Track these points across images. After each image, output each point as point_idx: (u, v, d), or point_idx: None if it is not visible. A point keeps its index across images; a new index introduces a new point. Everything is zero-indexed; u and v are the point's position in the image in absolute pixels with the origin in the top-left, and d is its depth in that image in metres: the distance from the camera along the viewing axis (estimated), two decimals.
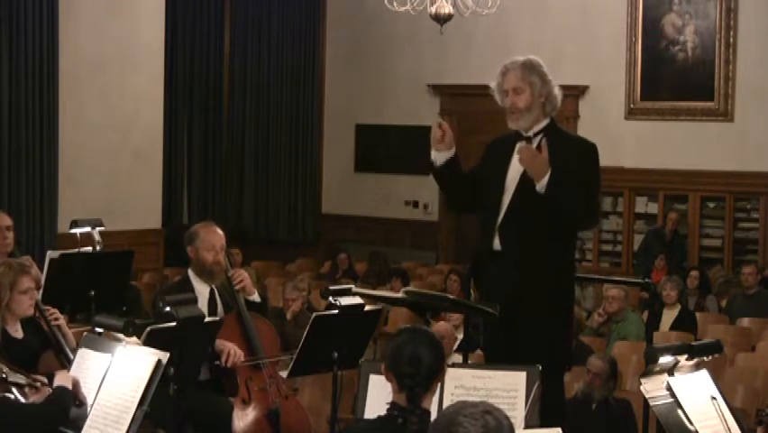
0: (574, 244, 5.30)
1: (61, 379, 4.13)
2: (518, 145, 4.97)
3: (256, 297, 5.91)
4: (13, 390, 4.20)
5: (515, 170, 5.05)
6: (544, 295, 4.95)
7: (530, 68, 5.05)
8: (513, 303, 4.90)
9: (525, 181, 4.97)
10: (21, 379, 4.26)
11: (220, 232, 5.88)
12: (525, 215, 4.96)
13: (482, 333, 5.47)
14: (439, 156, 5.15)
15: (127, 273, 7.40)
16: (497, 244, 5.04)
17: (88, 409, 4.05)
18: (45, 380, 4.38)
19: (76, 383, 4.09)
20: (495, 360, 5.01)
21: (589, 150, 5.09)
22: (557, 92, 5.08)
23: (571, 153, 5.00)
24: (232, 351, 5.51)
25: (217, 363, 5.51)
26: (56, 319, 5.26)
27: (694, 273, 10.59)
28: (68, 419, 4.05)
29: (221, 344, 5.47)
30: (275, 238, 14.72)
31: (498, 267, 5.05)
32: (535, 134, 5.04)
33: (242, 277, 5.87)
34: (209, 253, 5.77)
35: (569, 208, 4.90)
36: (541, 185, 4.86)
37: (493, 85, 5.14)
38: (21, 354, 4.89)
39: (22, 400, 4.20)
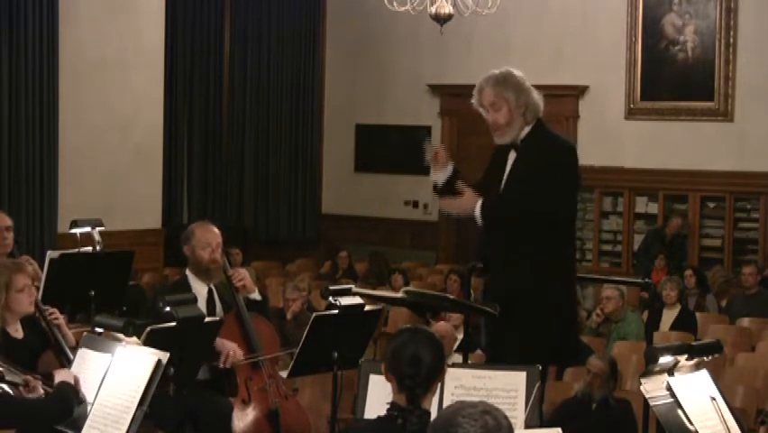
0: (561, 248, 5.20)
1: (63, 375, 4.14)
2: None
3: (257, 295, 5.91)
4: (5, 387, 4.20)
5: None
6: (530, 297, 4.97)
7: (503, 83, 5.07)
8: (507, 305, 4.98)
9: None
10: (17, 378, 4.27)
11: (216, 230, 5.87)
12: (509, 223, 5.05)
13: (483, 333, 5.50)
14: (438, 176, 5.20)
15: (127, 273, 7.41)
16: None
17: (88, 409, 4.06)
18: (44, 379, 4.38)
19: (76, 381, 4.09)
20: (494, 360, 5.03)
21: (557, 151, 5.09)
22: (536, 98, 5.09)
23: (538, 155, 5.02)
24: (231, 352, 5.50)
25: (215, 363, 5.50)
26: (55, 319, 5.25)
27: (688, 273, 10.58)
28: (71, 413, 4.06)
29: (220, 344, 5.47)
30: (275, 238, 14.72)
31: (492, 272, 5.16)
32: (522, 142, 5.07)
33: (242, 276, 5.86)
34: (205, 251, 5.76)
35: (513, 216, 4.97)
36: (476, 217, 4.99)
37: (473, 101, 5.17)
38: (21, 353, 4.88)
39: None
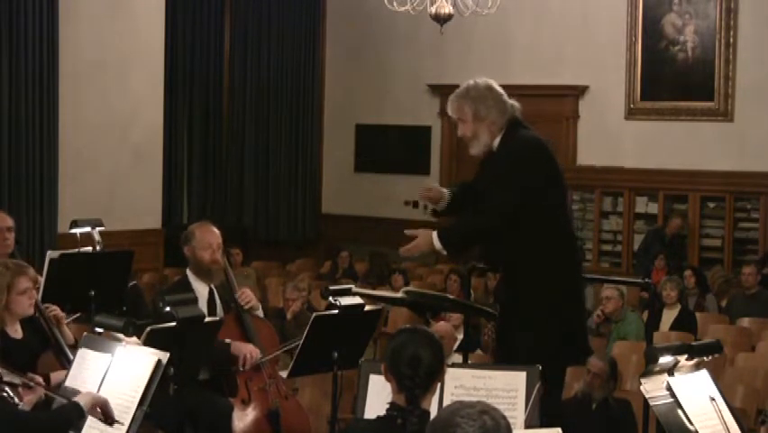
0: (557, 246, 5.16)
1: (82, 397, 3.98)
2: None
3: (260, 313, 5.99)
4: (7, 389, 4.19)
5: None
6: (531, 298, 4.98)
7: (464, 96, 5.04)
8: (503, 307, 5.09)
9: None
10: (16, 379, 4.26)
11: (216, 231, 5.89)
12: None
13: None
14: (439, 206, 5.29)
15: (127, 273, 7.39)
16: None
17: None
18: (41, 379, 4.37)
19: (105, 404, 3.92)
20: (502, 360, 5.05)
21: (521, 151, 5.00)
22: (502, 107, 5.00)
23: (503, 158, 4.98)
24: (248, 354, 5.54)
25: (234, 368, 5.53)
26: (56, 317, 5.25)
27: (688, 273, 10.58)
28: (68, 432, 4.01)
29: (236, 348, 5.50)
30: (275, 238, 14.72)
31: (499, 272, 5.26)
32: (496, 149, 5.04)
33: (249, 297, 5.89)
34: (206, 251, 5.77)
35: (479, 234, 5.06)
36: (439, 249, 5.03)
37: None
38: (20, 354, 4.88)
39: (17, 400, 4.18)
